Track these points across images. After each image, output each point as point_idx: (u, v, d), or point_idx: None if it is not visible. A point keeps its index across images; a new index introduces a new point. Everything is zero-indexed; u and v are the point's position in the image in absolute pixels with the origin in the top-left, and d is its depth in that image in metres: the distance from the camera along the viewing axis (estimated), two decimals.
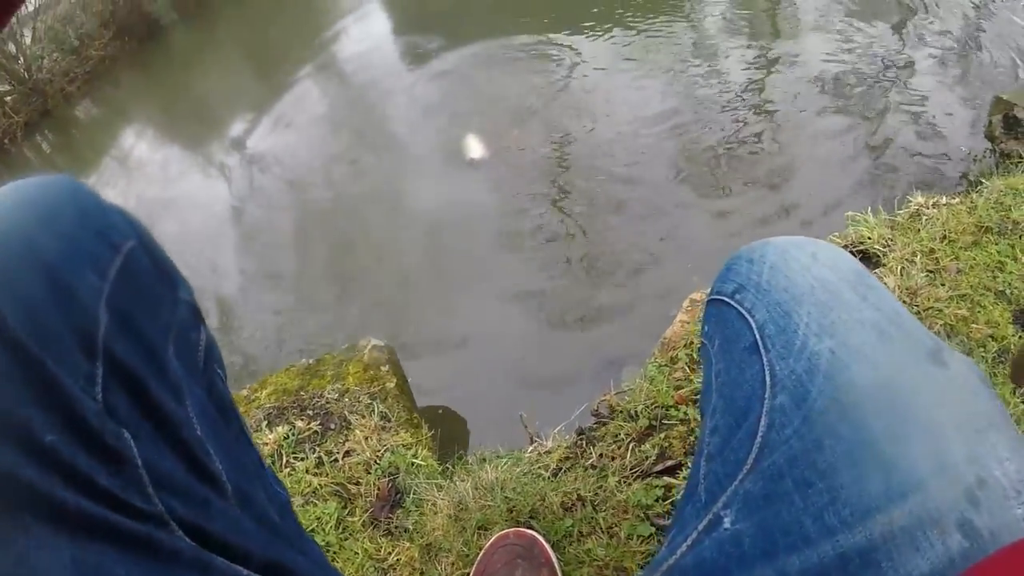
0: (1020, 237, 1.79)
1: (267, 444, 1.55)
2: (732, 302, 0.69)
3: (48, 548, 0.42)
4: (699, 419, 1.38)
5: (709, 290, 0.77)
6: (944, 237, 1.82)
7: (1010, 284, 1.67)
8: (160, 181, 3.43)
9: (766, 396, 0.59)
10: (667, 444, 1.36)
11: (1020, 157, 2.40)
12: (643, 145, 2.77)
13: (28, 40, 6.26)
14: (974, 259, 1.74)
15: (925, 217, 1.92)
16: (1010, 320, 1.59)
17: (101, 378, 0.47)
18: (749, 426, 0.60)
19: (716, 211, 2.50)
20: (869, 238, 1.85)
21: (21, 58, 6.03)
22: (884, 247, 1.83)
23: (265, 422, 1.62)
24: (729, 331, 0.69)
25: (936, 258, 1.76)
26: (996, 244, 1.78)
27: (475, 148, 2.35)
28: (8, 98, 5.94)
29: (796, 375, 0.57)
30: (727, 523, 0.58)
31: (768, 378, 0.60)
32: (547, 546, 1.22)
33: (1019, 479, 0.47)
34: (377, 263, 2.16)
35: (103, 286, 0.50)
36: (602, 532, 1.25)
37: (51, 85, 6.05)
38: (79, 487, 0.44)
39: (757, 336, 0.64)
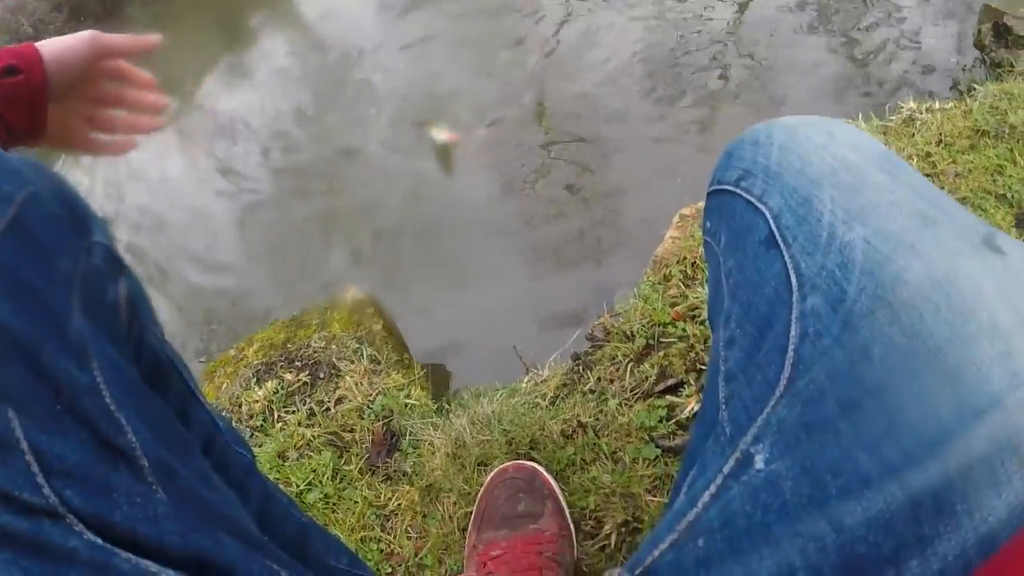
0: (1018, 141, 1.71)
1: (257, 401, 1.51)
2: (738, 190, 0.59)
3: None
4: (698, 335, 1.33)
5: (709, 181, 0.66)
6: (940, 141, 1.74)
7: (1010, 187, 1.60)
8: (128, 158, 3.33)
9: (793, 299, 0.49)
10: (667, 362, 1.31)
11: (1011, 66, 2.31)
12: (623, 79, 2.67)
13: None
14: (972, 163, 1.67)
15: (919, 122, 1.84)
16: (1012, 223, 1.52)
17: None
18: (776, 337, 0.50)
19: (702, 135, 2.42)
20: None
21: None
22: None
23: (254, 379, 1.57)
24: (737, 223, 0.59)
25: (933, 162, 1.69)
26: (994, 148, 1.70)
27: (443, 132, 2.18)
28: None
29: (828, 271, 0.48)
30: (759, 462, 0.47)
31: (793, 277, 0.50)
32: (549, 477, 1.17)
33: None
34: (357, 220, 2.09)
35: None
36: (606, 458, 1.20)
37: None
38: None
39: (773, 227, 0.54)
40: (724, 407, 0.54)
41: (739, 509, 0.47)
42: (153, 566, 0.42)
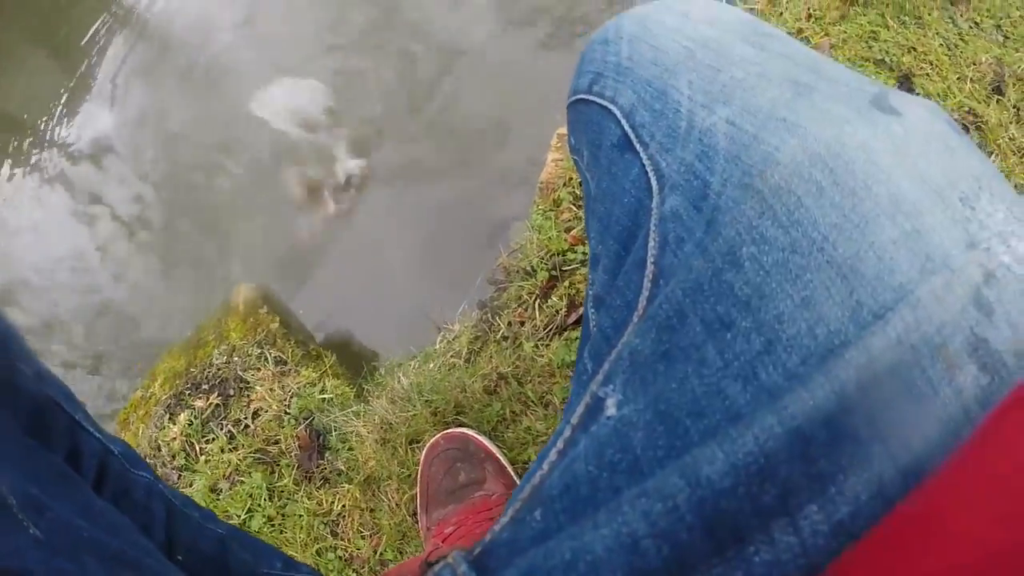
0: (888, 5, 1.68)
1: (175, 439, 1.42)
2: (591, 96, 0.53)
3: None
4: None
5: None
6: (809, 16, 1.69)
7: (887, 52, 1.57)
8: None
9: (653, 204, 0.42)
10: (574, 291, 1.26)
11: None
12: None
13: None
14: (845, 33, 1.63)
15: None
16: (895, 85, 1.50)
17: None
18: (637, 249, 0.43)
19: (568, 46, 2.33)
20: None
21: None
22: None
23: (166, 416, 1.49)
24: (593, 133, 0.52)
25: (806, 37, 1.64)
26: (864, 15, 1.66)
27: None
28: None
29: (687, 164, 0.41)
30: (611, 407, 0.39)
31: (653, 179, 0.43)
32: (483, 438, 1.13)
33: None
34: (233, 220, 1.96)
35: None
36: (535, 404, 1.16)
37: None
38: None
39: (626, 127, 0.48)
40: (588, 343, 0.46)
41: (582, 471, 0.39)
42: None
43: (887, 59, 1.55)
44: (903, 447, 0.31)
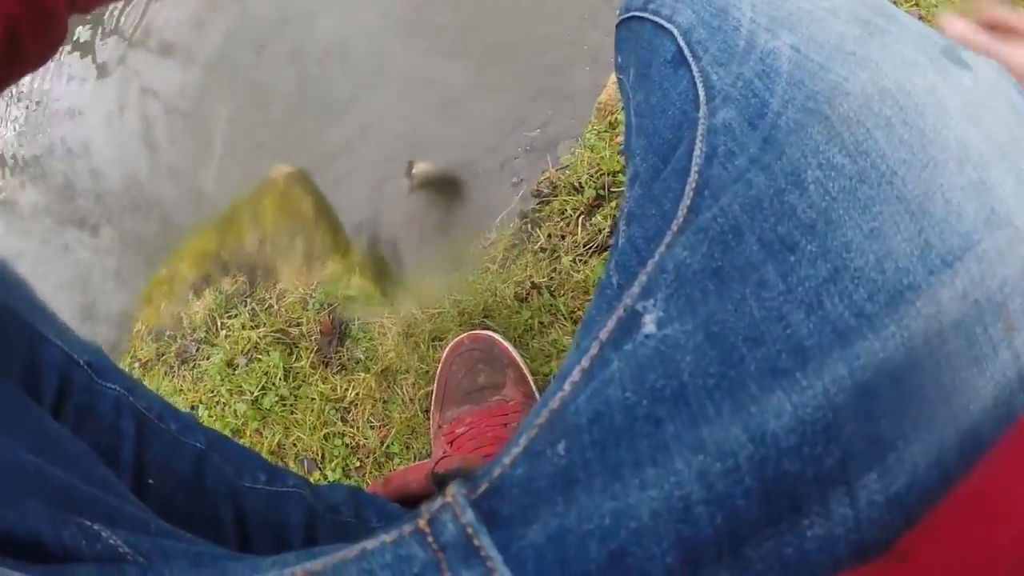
0: None
1: (198, 312, 1.42)
2: (646, 14, 0.50)
3: None
4: None
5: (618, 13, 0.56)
6: None
7: None
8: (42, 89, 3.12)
9: (700, 114, 0.40)
10: (619, 212, 1.22)
11: None
12: None
13: None
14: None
15: None
16: None
17: None
18: (678, 160, 0.40)
19: None
20: None
21: None
22: None
23: (192, 293, 1.48)
24: (644, 51, 0.50)
25: None
26: None
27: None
28: None
29: (745, 80, 0.39)
30: (649, 324, 0.35)
31: (702, 91, 0.41)
32: (507, 344, 1.11)
33: None
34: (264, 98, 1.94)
35: None
36: (565, 319, 1.13)
37: None
38: None
39: (682, 43, 0.45)
40: (615, 256, 0.42)
41: (616, 396, 0.34)
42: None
43: None
44: (964, 411, 0.30)
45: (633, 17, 0.52)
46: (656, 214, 0.39)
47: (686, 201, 0.38)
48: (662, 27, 0.48)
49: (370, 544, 0.34)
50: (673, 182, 0.39)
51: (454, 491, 0.34)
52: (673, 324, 0.34)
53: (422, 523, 0.34)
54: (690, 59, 0.44)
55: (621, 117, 1.37)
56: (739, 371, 0.32)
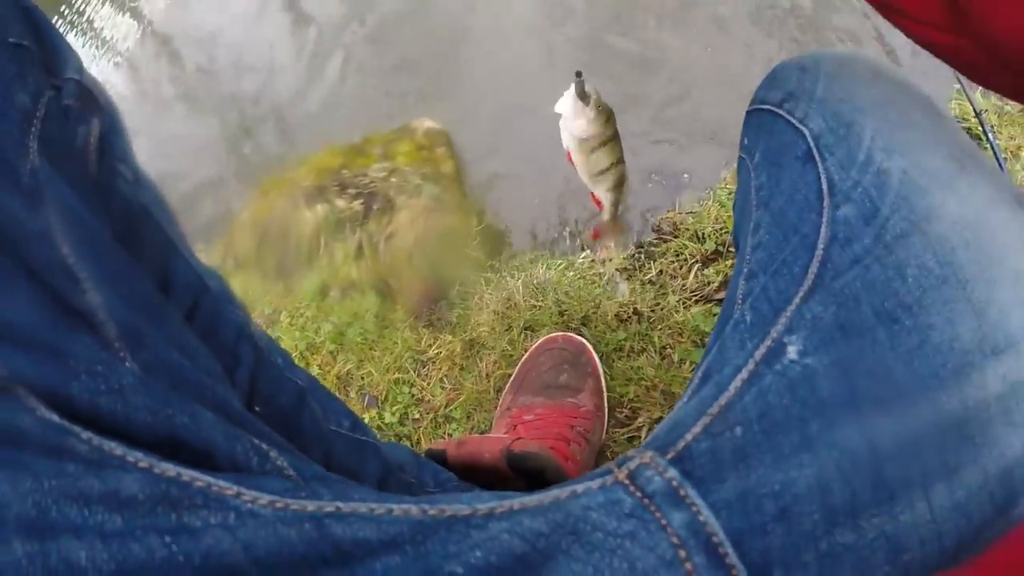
0: None
1: (307, 224, 1.48)
2: (780, 111, 0.59)
3: None
4: None
5: (751, 101, 0.65)
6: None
7: None
8: None
9: (825, 205, 0.51)
10: (731, 273, 1.27)
11: None
12: None
13: None
14: None
15: None
16: None
17: None
18: (803, 237, 0.51)
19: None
20: (967, 118, 1.68)
21: None
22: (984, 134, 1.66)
23: (303, 201, 1.54)
24: (775, 141, 0.58)
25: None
26: None
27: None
28: None
29: (863, 188, 0.49)
30: (792, 353, 0.46)
31: (826, 186, 0.51)
32: (595, 356, 1.16)
33: None
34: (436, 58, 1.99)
35: None
36: (654, 351, 1.18)
37: None
38: None
39: (812, 144, 0.54)
40: (742, 302, 0.53)
41: (776, 401, 0.45)
42: (118, 447, 0.35)
43: None
44: (1001, 454, 0.42)
45: (768, 110, 0.61)
46: (787, 275, 0.50)
47: (813, 269, 0.49)
48: (795, 126, 0.57)
49: (579, 487, 0.42)
50: (801, 253, 0.50)
51: (650, 454, 0.45)
52: (811, 356, 0.46)
53: (621, 476, 0.43)
54: (818, 159, 0.53)
55: None
56: (860, 397, 0.44)
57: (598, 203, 1.10)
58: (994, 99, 1.81)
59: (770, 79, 0.63)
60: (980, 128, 1.43)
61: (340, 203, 1.48)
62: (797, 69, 0.60)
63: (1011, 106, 1.78)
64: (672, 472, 0.43)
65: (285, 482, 0.41)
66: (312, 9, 2.19)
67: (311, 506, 0.38)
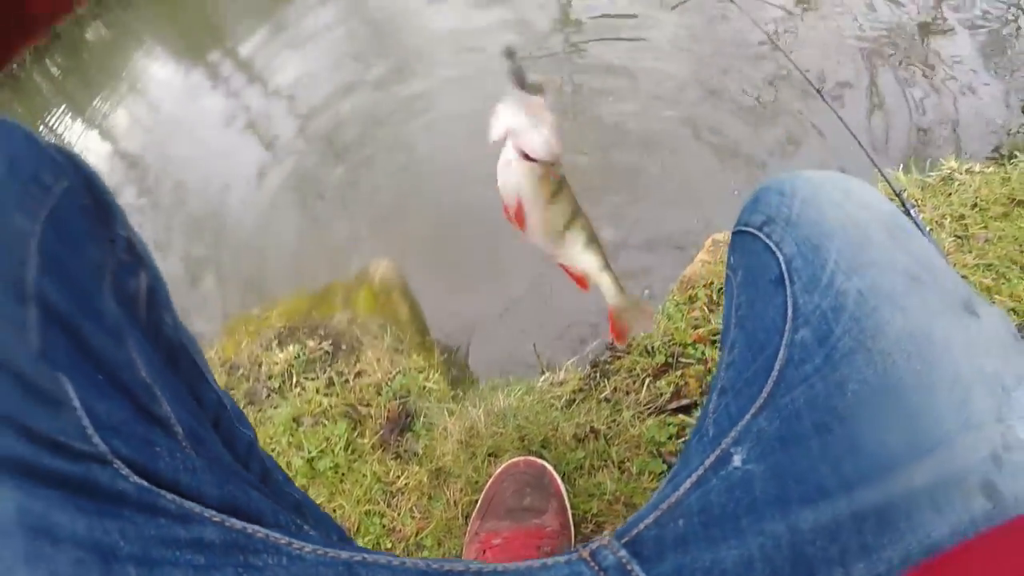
0: None
1: (277, 363, 1.54)
2: (760, 234, 0.65)
3: None
4: (715, 359, 1.36)
5: (736, 221, 0.72)
6: (975, 205, 1.77)
7: None
8: (171, 100, 3.36)
9: (786, 329, 0.57)
10: (683, 382, 1.34)
11: None
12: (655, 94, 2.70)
13: None
14: (1003, 230, 1.70)
15: (957, 182, 1.86)
16: None
17: (35, 322, 0.44)
18: (766, 359, 0.58)
19: (736, 163, 2.45)
20: (892, 198, 1.80)
21: None
22: (913, 206, 1.78)
23: (276, 341, 1.61)
24: (754, 263, 0.65)
25: (965, 224, 1.71)
26: None
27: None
28: None
29: (821, 311, 0.55)
30: (737, 461, 0.55)
31: (790, 310, 0.58)
32: (557, 477, 1.21)
33: None
34: (388, 195, 2.11)
35: (34, 228, 0.47)
36: (613, 466, 1.24)
37: None
38: (16, 433, 0.41)
39: (783, 269, 0.61)
40: (711, 416, 0.61)
41: (715, 499, 0.54)
42: (196, 506, 0.46)
43: None
44: (926, 535, 0.45)
45: (750, 233, 0.68)
46: (746, 394, 0.58)
47: (767, 390, 0.55)
48: (771, 250, 0.63)
49: (550, 561, 0.53)
50: (761, 374, 0.57)
51: (609, 538, 0.55)
52: (752, 463, 0.53)
53: (584, 554, 0.54)
54: (787, 283, 0.60)
55: (700, 293, 1.51)
56: (787, 496, 0.50)
57: (579, 280, 0.83)
58: (915, 174, 1.93)
59: (754, 201, 0.69)
60: (903, 207, 1.54)
61: (311, 344, 1.56)
62: (776, 193, 0.66)
63: (931, 178, 1.91)
64: (623, 552, 0.54)
65: (320, 538, 0.53)
66: (280, 157, 2.32)
67: (344, 554, 0.50)
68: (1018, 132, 2.66)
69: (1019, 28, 3.48)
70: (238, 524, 0.48)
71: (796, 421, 0.52)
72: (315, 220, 2.13)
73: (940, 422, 0.47)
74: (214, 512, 0.47)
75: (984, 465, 0.45)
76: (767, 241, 0.64)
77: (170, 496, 0.46)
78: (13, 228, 0.46)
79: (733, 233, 0.72)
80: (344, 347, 1.53)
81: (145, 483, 0.45)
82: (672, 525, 0.55)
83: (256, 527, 0.48)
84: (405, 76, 2.64)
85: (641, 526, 0.57)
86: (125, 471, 0.44)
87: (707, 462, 0.57)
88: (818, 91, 1.80)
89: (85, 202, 0.55)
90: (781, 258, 0.62)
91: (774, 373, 0.56)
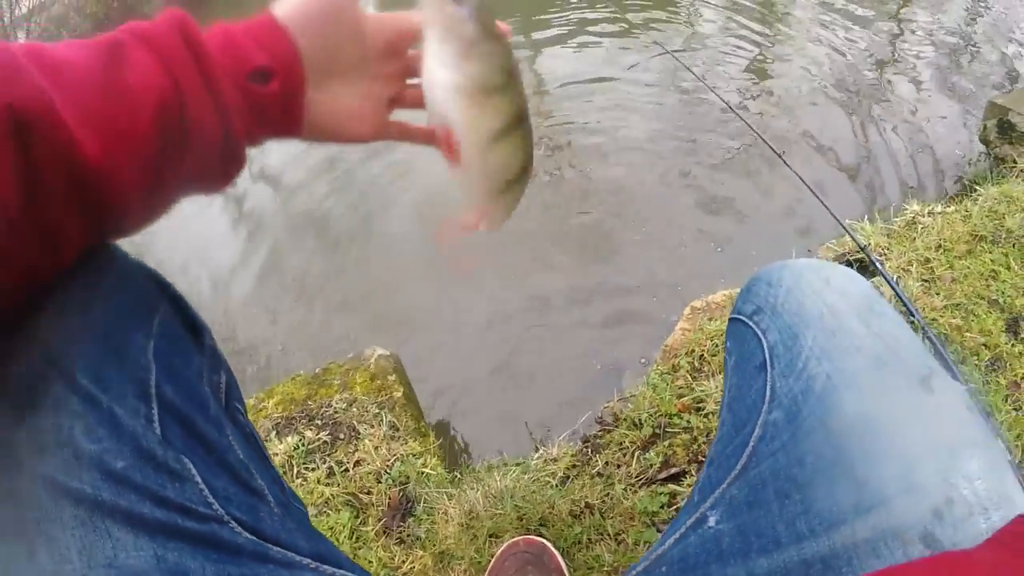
0: (1013, 245, 1.83)
1: (277, 454, 1.58)
2: (751, 323, 0.74)
3: (132, 549, 0.50)
4: (700, 427, 1.43)
5: (732, 308, 0.81)
6: (939, 246, 1.86)
7: (1003, 292, 1.70)
8: None
9: (763, 410, 0.65)
10: (671, 452, 1.40)
11: (1014, 162, 2.45)
12: (645, 161, 2.81)
13: (22, 40, 6.30)
14: (968, 268, 1.78)
15: (921, 226, 1.95)
16: (1003, 328, 1.62)
17: (157, 416, 0.55)
18: (744, 436, 0.67)
19: (710, 219, 2.54)
20: (868, 244, 1.89)
21: None
22: (881, 255, 1.86)
23: (274, 432, 1.65)
24: (745, 349, 0.74)
25: (931, 268, 1.80)
26: (990, 253, 1.82)
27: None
28: None
29: (793, 394, 0.63)
30: (712, 522, 0.65)
31: (768, 393, 0.66)
32: (557, 553, 1.25)
33: (988, 497, 0.52)
34: (370, 264, 2.18)
35: (148, 343, 0.57)
36: (610, 538, 1.28)
37: None
38: (151, 500, 0.51)
39: (767, 355, 0.69)
40: (698, 484, 0.71)
41: (692, 551, 0.66)
42: (295, 556, 0.60)
43: (1001, 300, 1.68)
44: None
45: (743, 321, 0.76)
46: (725, 466, 0.66)
47: (742, 463, 0.64)
48: (759, 337, 0.72)
49: None
50: (738, 449, 0.66)
51: None
52: (723, 523, 0.63)
53: None
54: (768, 368, 0.68)
55: (683, 362, 1.57)
56: (748, 548, 0.60)
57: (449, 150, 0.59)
58: (880, 222, 2.02)
59: (746, 291, 0.77)
60: (868, 260, 1.62)
61: (309, 434, 1.60)
62: (765, 283, 0.74)
63: (895, 224, 1.99)
64: None
65: None
66: (275, 250, 2.38)
67: None
68: (978, 160, 2.77)
69: (977, 52, 3.64)
70: (329, 569, 0.62)
71: (762, 488, 0.61)
72: (305, 303, 2.19)
73: (884, 486, 0.54)
74: (309, 560, 0.61)
75: (925, 519, 0.52)
76: (756, 329, 0.73)
77: (275, 548, 0.59)
78: (135, 344, 0.56)
79: (729, 319, 0.81)
80: (342, 436, 1.58)
81: (255, 538, 0.57)
82: (657, 571, 0.69)
83: (345, 572, 0.63)
84: (384, 155, 2.73)
85: (633, 573, 0.72)
86: (238, 529, 0.56)
87: (688, 522, 0.68)
88: (779, 155, 1.90)
89: (180, 318, 0.64)
90: (766, 345, 0.70)
91: (749, 448, 0.65)
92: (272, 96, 0.54)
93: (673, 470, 1.36)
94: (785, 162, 1.94)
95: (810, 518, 0.57)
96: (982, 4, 4.25)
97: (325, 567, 0.62)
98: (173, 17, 0.51)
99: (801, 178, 1.90)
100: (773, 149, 1.97)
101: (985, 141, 2.71)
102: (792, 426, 0.61)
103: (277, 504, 0.65)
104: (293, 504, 0.83)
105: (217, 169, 0.56)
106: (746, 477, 0.64)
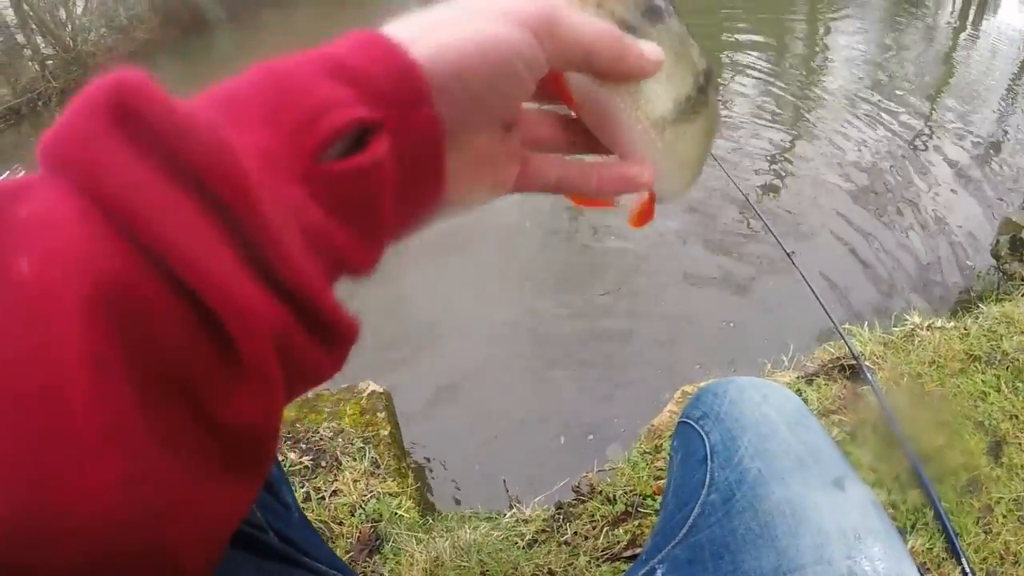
0: (1007, 368, 1.85)
1: None
2: (696, 426, 0.84)
3: None
4: None
5: (681, 412, 0.90)
6: (933, 362, 1.88)
7: (990, 415, 1.71)
8: None
9: (703, 493, 0.75)
10: (639, 532, 1.42)
11: (1023, 279, 2.47)
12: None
13: (79, 10, 6.46)
14: (959, 387, 1.80)
15: (918, 339, 1.98)
16: (984, 451, 1.64)
17: None
18: (685, 513, 0.76)
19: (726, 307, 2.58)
20: (862, 354, 1.91)
21: (69, 26, 6.25)
22: (875, 364, 1.89)
23: None
24: (691, 448, 0.84)
25: (922, 383, 1.82)
26: (983, 374, 1.83)
27: None
28: (49, 62, 6.14)
29: (729, 482, 0.73)
30: (659, 573, 0.75)
31: (708, 479, 0.76)
32: None
33: (887, 574, 0.61)
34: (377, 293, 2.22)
35: None
36: None
37: (93, 59, 6.27)
38: None
39: (708, 452, 0.79)
40: (647, 547, 0.80)
41: None
42: (320, 565, 0.69)
43: (987, 422, 1.68)
44: None
45: (690, 424, 0.86)
46: (671, 534, 0.75)
47: (683, 532, 0.74)
48: (702, 438, 0.81)
49: None
50: (681, 522, 0.75)
51: None
52: (668, 575, 0.72)
53: None
54: (709, 461, 0.78)
55: (665, 444, 1.60)
56: None
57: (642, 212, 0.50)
58: (879, 331, 2.05)
59: (695, 399, 0.87)
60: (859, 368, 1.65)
61: (292, 456, 1.63)
62: (712, 394, 0.84)
63: (894, 334, 2.02)
64: None
65: None
66: None
67: None
68: (987, 274, 2.80)
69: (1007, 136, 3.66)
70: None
71: (700, 551, 0.71)
72: None
73: (800, 556, 0.62)
74: (327, 569, 0.70)
75: None
76: (700, 431, 0.83)
77: (304, 557, 0.67)
78: None
79: (678, 423, 0.90)
80: (324, 464, 1.61)
81: (286, 547, 0.65)
82: None
83: None
84: None
85: None
86: (275, 537, 0.64)
87: (640, 574, 0.77)
88: (788, 255, 1.94)
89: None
90: (708, 444, 0.80)
91: (690, 521, 0.74)
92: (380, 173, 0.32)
93: (638, 550, 1.38)
94: (793, 263, 1.99)
95: (738, 575, 0.66)
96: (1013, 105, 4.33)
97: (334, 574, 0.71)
98: None
99: (807, 282, 1.95)
100: (784, 249, 2.02)
101: (996, 256, 2.73)
102: (727, 506, 0.71)
103: (299, 518, 0.76)
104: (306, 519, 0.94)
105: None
106: (687, 543, 0.73)
